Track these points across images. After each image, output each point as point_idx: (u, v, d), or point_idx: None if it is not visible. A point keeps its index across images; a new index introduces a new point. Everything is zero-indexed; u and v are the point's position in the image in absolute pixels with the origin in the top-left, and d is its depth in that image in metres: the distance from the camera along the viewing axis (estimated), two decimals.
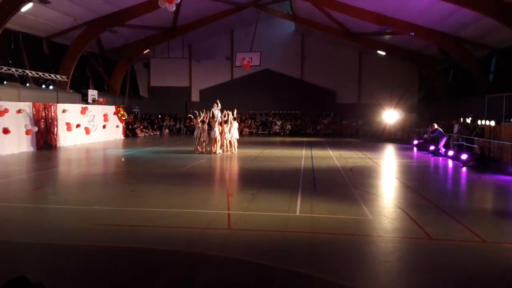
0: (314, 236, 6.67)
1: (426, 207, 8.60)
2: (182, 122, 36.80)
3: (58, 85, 24.16)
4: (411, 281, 5.07)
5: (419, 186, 11.22)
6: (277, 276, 5.08)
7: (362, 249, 6.10)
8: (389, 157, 19.10)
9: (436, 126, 19.32)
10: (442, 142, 18.62)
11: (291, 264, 5.39)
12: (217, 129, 17.79)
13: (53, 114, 20.50)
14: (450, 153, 17.62)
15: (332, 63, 36.56)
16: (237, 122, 19.44)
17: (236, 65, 30.21)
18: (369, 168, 14.53)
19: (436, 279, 5.07)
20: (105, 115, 26.07)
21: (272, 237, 6.58)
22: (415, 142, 23.01)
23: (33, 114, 19.13)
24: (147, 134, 31.97)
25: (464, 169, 14.59)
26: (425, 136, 21.34)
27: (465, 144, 17.63)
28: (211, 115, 18.44)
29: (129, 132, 30.24)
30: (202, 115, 18.30)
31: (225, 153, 18.23)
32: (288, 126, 35.95)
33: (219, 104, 18.85)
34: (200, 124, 18.16)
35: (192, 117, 20.15)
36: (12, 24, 21.32)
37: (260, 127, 36.58)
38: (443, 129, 19.76)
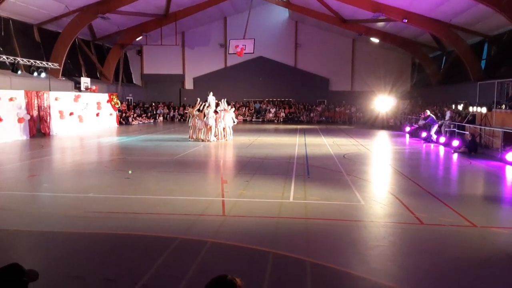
0: (307, 221, 6.77)
1: (417, 193, 8.73)
2: (176, 110, 36.70)
3: (50, 72, 23.94)
4: (403, 265, 5.18)
5: (411, 172, 11.35)
6: (271, 261, 5.17)
7: (355, 234, 6.21)
8: (381, 144, 19.23)
9: (428, 112, 19.45)
10: (433, 129, 18.77)
11: (285, 249, 5.48)
12: (212, 117, 17.80)
13: (45, 102, 20.37)
14: (442, 139, 17.78)
15: (326, 50, 36.50)
16: (231, 107, 19.43)
17: (229, 52, 30.02)
18: (362, 155, 14.65)
19: (427, 263, 5.18)
20: (98, 103, 25.94)
21: (266, 223, 6.66)
22: (408, 129, 23.16)
23: (26, 102, 19.00)
24: (141, 122, 31.87)
25: (455, 155, 14.75)
26: (418, 123, 21.46)
27: (456, 130, 17.80)
28: (207, 104, 18.42)
29: (123, 120, 30.12)
30: (197, 103, 18.33)
31: (219, 140, 18.27)
32: (282, 114, 35.99)
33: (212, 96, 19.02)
34: (196, 112, 18.16)
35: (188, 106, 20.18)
36: (2, 11, 21.05)
37: (254, 115, 36.57)
38: (435, 116, 19.88)
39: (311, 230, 6.41)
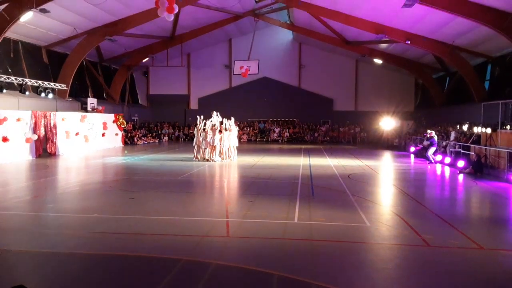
0: (312, 243, 6.72)
1: (423, 214, 8.67)
2: (181, 130, 36.91)
3: (57, 93, 24.24)
4: None
5: (417, 193, 11.30)
6: (276, 284, 5.12)
7: (360, 256, 6.15)
8: (386, 164, 19.17)
9: (433, 133, 19.35)
10: (431, 150, 18.54)
11: (290, 271, 5.43)
12: (216, 136, 17.85)
13: (52, 122, 20.55)
14: (447, 160, 17.72)
15: (330, 71, 36.83)
16: (236, 127, 19.37)
17: (234, 73, 30.40)
18: (366, 175, 14.60)
19: (434, 285, 5.12)
20: (104, 123, 26.10)
21: (270, 244, 6.62)
22: (412, 149, 23.09)
23: (33, 122, 19.18)
24: (146, 142, 31.99)
25: (461, 176, 14.67)
26: (423, 143, 21.35)
27: (461, 151, 17.74)
28: (212, 124, 18.40)
29: (128, 140, 30.28)
30: (202, 122, 18.35)
31: (224, 160, 18.29)
32: (286, 134, 36.07)
33: (219, 116, 19.02)
34: (201, 131, 18.22)
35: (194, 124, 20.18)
36: (11, 33, 21.47)
37: (259, 135, 36.68)
38: (439, 136, 19.80)
39: (316, 251, 6.35)
